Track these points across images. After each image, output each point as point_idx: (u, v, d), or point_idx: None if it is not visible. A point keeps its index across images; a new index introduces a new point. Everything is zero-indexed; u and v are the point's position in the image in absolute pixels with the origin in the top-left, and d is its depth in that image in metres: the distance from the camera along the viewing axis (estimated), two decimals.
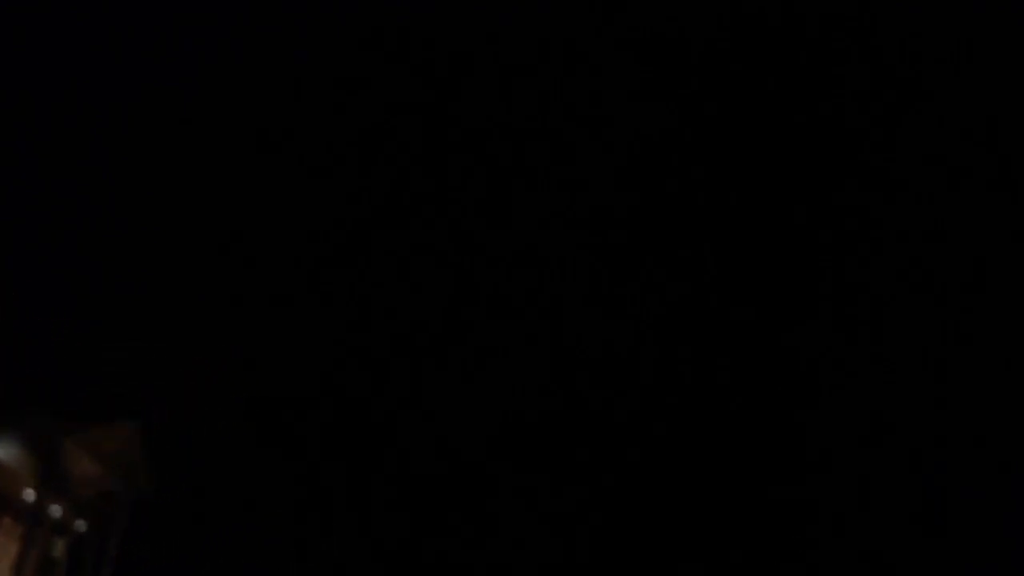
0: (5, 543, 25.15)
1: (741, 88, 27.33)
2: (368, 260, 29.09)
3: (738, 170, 27.69)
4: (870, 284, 25.25)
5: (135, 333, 27.72)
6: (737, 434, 25.38)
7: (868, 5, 27.17)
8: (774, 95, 26.94)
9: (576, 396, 26.84)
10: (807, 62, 27.24)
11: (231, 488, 26.47)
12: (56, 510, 24.76)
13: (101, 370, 26.59)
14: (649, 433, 25.94)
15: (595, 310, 27.94)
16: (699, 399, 26.00)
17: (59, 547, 26.08)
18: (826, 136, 26.81)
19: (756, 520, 23.83)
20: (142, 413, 25.90)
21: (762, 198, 27.47)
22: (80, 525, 25.77)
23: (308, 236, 29.66)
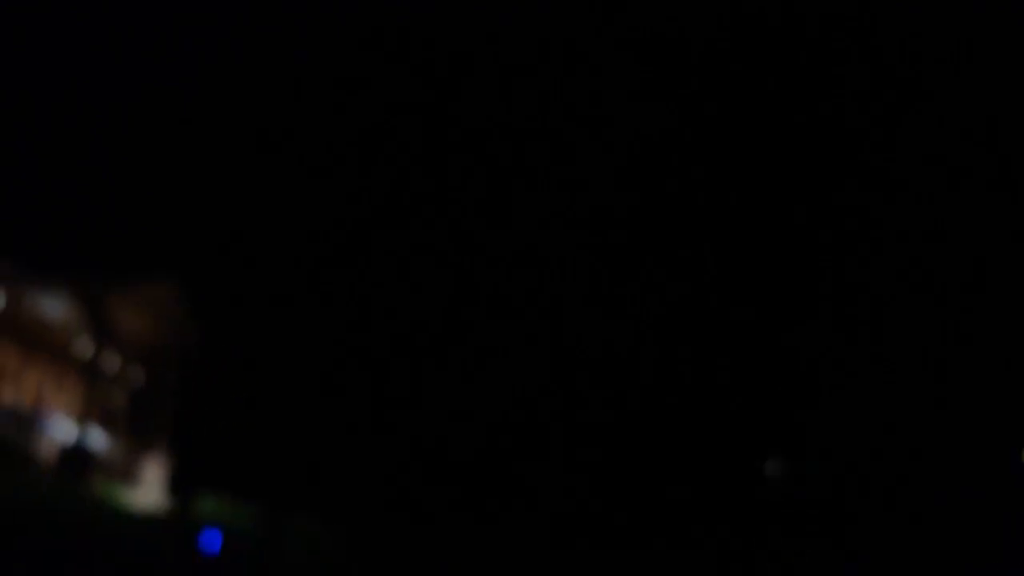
0: (68, 397, 26.66)
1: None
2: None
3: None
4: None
5: (176, 189, 28.30)
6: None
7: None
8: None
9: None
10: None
11: (276, 340, 27.38)
12: (112, 363, 26.02)
13: (142, 227, 27.31)
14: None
15: None
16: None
17: (119, 399, 27.50)
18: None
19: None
20: (184, 269, 26.76)
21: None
22: (137, 377, 27.03)
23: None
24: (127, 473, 23.46)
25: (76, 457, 21.40)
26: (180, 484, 20.22)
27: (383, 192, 28.97)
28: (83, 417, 24.18)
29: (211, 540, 12.19)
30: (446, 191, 27.01)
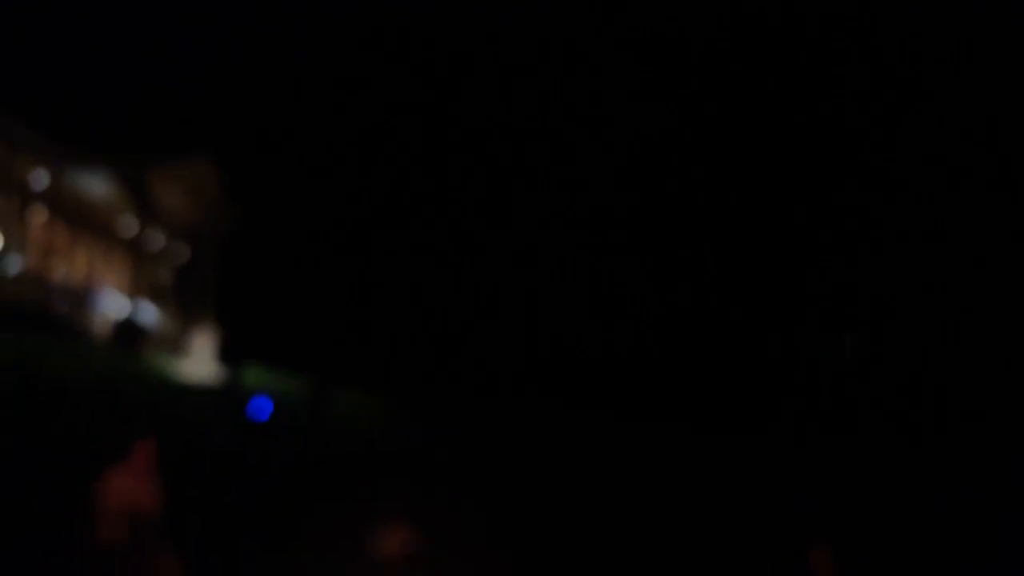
0: (116, 274, 27.61)
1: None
2: None
3: None
4: None
5: (214, 67, 28.26)
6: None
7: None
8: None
9: None
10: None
11: (316, 216, 27.77)
12: (157, 240, 26.80)
13: (181, 105, 27.48)
14: None
15: None
16: None
17: (165, 275, 28.41)
18: None
19: None
20: (222, 146, 27.07)
21: None
22: (181, 254, 27.88)
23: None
24: (177, 346, 24.47)
25: (128, 331, 22.29)
26: (228, 356, 21.04)
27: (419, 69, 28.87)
28: (133, 293, 25.03)
29: (261, 407, 12.84)
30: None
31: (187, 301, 27.10)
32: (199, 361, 23.14)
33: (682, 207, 26.07)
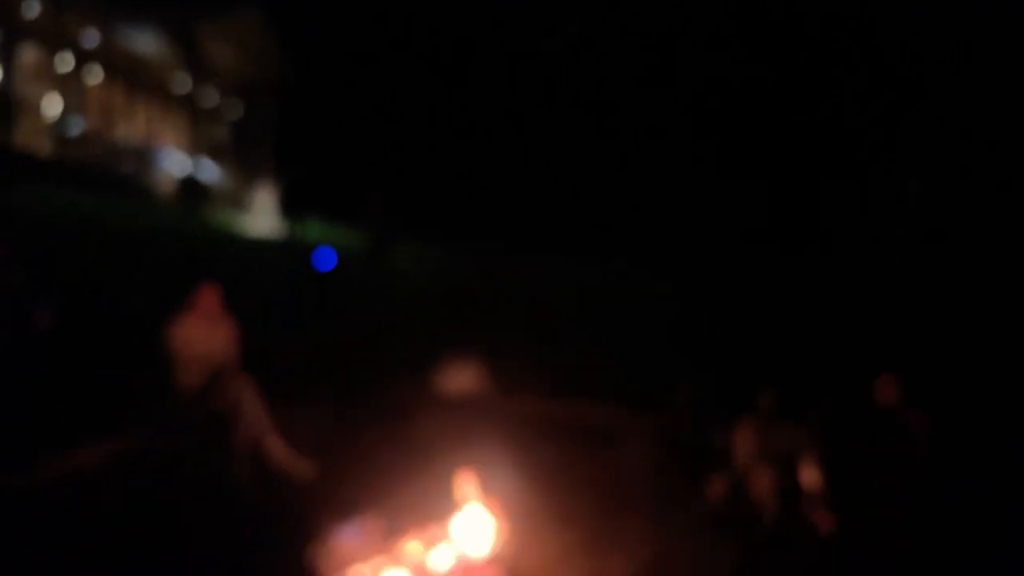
0: (175, 132, 27.85)
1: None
2: None
3: None
4: None
5: None
6: None
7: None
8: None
9: None
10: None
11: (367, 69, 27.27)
12: (212, 96, 26.79)
13: None
14: None
15: None
16: None
17: (222, 132, 28.55)
18: None
19: None
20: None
21: None
22: (237, 109, 27.90)
23: None
24: (238, 201, 24.87)
25: (191, 188, 22.66)
26: (288, 209, 21.29)
27: None
28: (192, 150, 25.29)
29: (325, 257, 13.07)
30: None
31: (246, 156, 27.28)
32: (260, 216, 23.51)
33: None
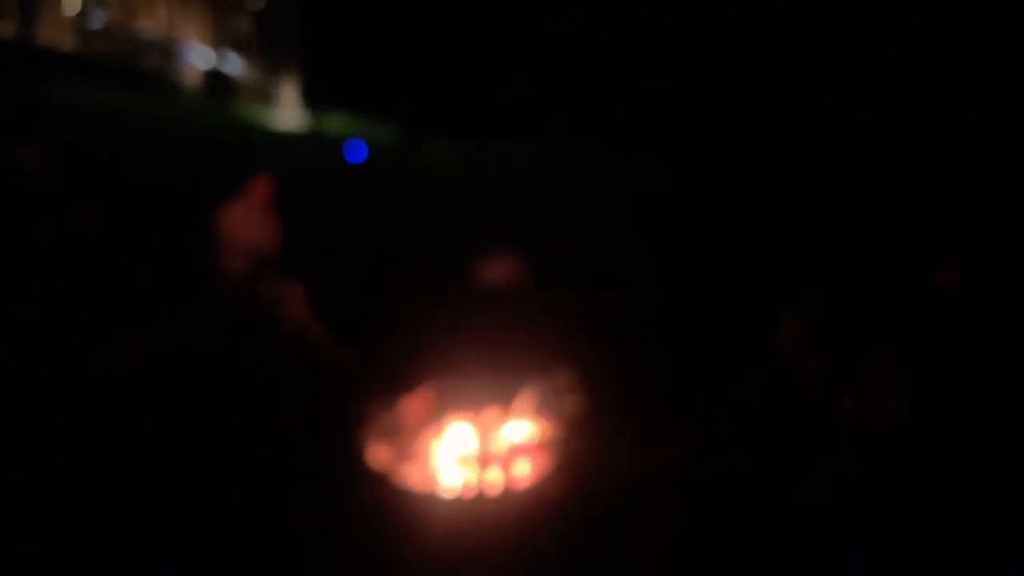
0: (198, 26, 27.33)
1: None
2: None
3: None
4: None
5: None
6: None
7: None
8: None
9: None
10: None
11: None
12: None
13: None
14: None
15: None
16: None
17: (246, 24, 28.00)
18: None
19: None
20: None
21: None
22: (258, 0, 27.29)
23: None
24: (264, 95, 24.54)
25: (216, 81, 22.37)
26: (315, 102, 20.99)
27: None
28: (216, 43, 24.83)
29: (356, 149, 12.96)
30: None
31: (269, 48, 26.81)
32: (286, 109, 23.26)
33: None
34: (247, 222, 6.11)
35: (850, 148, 20.53)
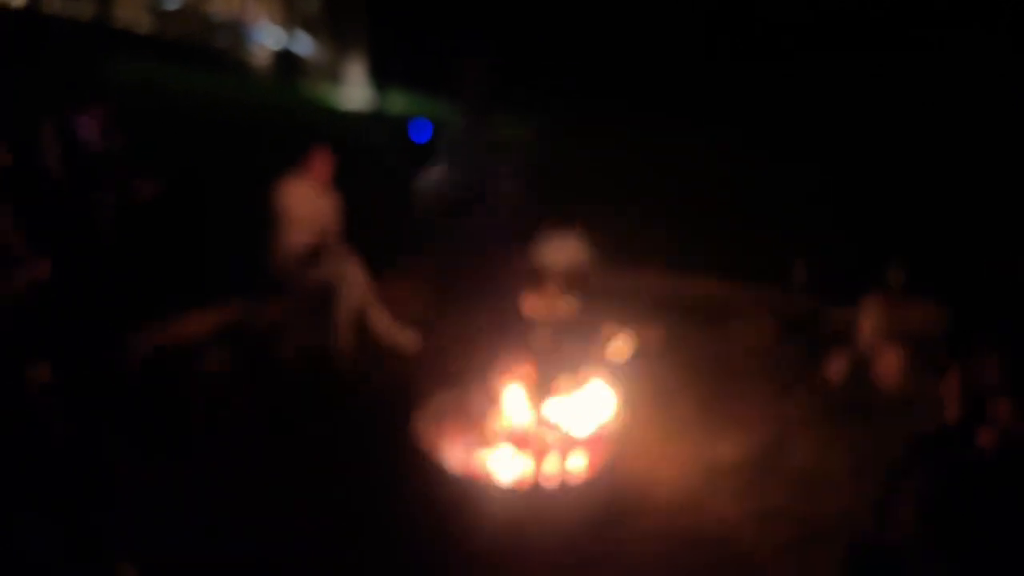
0: (268, 6, 27.63)
1: None
2: None
3: None
4: None
5: None
6: None
7: None
8: None
9: None
10: None
11: None
12: None
13: None
14: None
15: None
16: None
17: (314, 4, 28.17)
18: None
19: None
20: None
21: None
22: None
23: None
24: (334, 74, 24.67)
25: (286, 61, 22.56)
26: (382, 82, 20.96)
27: None
28: (286, 23, 25.01)
29: (421, 129, 12.94)
30: None
31: (338, 28, 26.87)
32: (354, 88, 23.35)
33: None
34: (315, 196, 6.05)
35: None
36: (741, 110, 19.75)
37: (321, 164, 6.02)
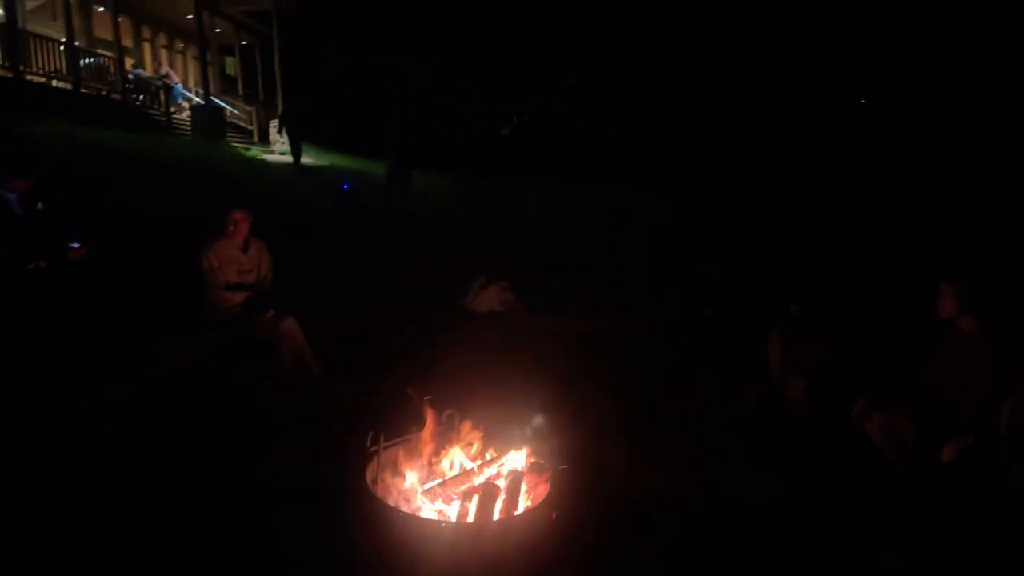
0: (184, 67, 27.55)
1: None
2: None
3: None
4: None
5: None
6: None
7: None
8: None
9: None
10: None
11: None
12: (219, 31, 26.45)
13: None
14: None
15: None
16: None
17: (232, 65, 28.26)
18: None
19: None
20: None
21: None
22: (246, 41, 27.63)
23: None
24: (251, 132, 24.75)
25: (206, 118, 22.45)
26: (298, 139, 21.05)
27: None
28: (203, 83, 24.88)
29: (346, 180, 13.47)
30: None
31: (255, 89, 26.99)
32: (274, 145, 23.47)
33: None
34: (240, 255, 6.25)
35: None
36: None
37: (241, 224, 6.25)
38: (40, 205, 5.71)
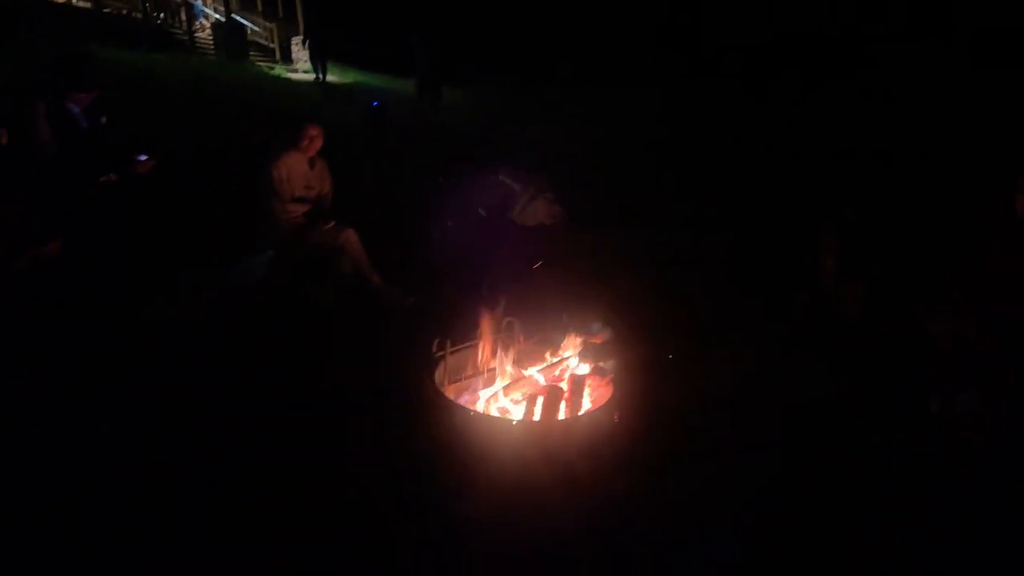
0: None
1: None
2: None
3: None
4: None
5: None
6: None
7: None
8: None
9: None
10: None
11: None
12: None
13: None
14: None
15: None
16: None
17: None
18: None
19: None
20: None
21: None
22: None
23: None
24: (274, 51, 24.45)
25: (231, 38, 22.15)
26: (321, 58, 20.73)
27: None
28: (225, 3, 24.46)
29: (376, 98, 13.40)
30: None
31: (274, 6, 26.51)
32: (298, 64, 23.18)
33: None
34: (308, 169, 6.27)
35: None
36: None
37: (313, 138, 6.24)
38: (103, 119, 5.72)
